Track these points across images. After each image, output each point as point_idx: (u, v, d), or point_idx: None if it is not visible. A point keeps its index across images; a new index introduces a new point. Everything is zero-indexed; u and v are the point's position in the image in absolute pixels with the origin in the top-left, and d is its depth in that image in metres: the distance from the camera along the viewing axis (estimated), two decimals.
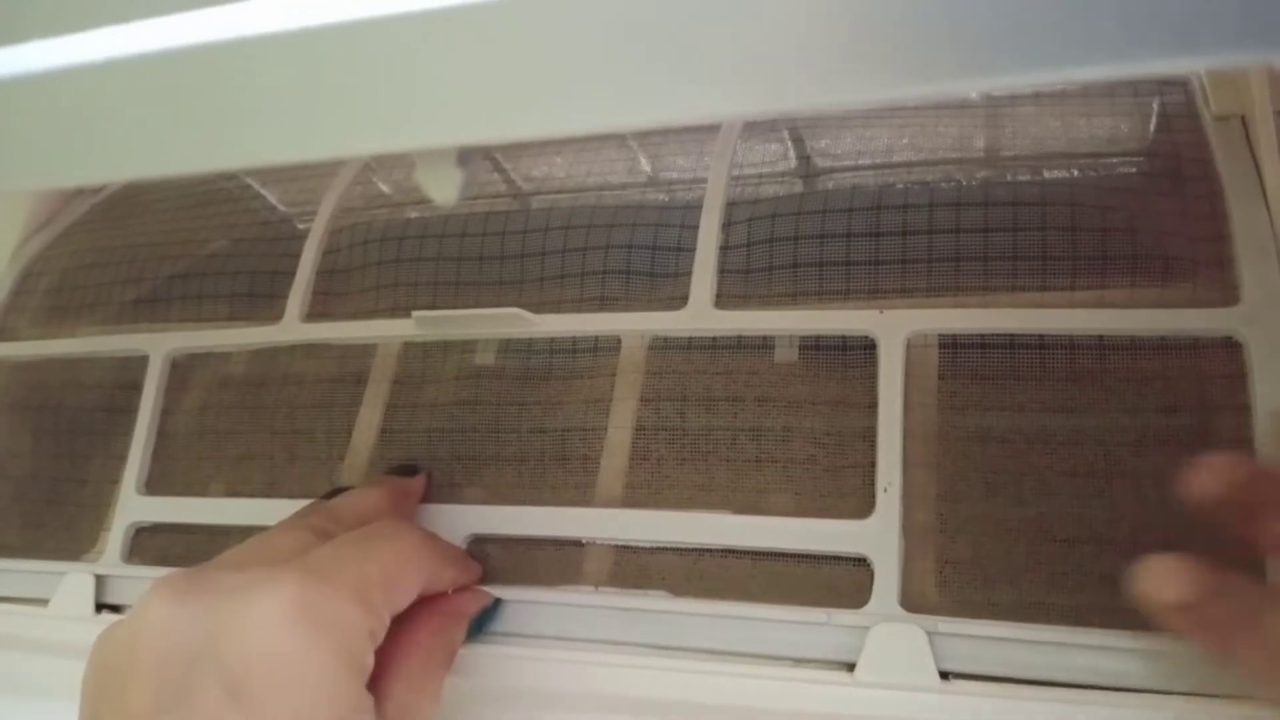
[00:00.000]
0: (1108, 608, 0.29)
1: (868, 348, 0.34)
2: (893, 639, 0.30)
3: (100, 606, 0.40)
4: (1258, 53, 0.14)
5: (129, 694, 0.25)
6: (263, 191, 0.50)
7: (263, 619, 0.25)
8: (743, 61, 0.16)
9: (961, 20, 0.15)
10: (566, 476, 0.36)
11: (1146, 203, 0.34)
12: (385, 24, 0.17)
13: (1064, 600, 0.30)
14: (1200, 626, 0.26)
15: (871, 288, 0.35)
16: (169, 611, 0.26)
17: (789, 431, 0.34)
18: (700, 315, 0.36)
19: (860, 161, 0.40)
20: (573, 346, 0.38)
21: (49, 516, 0.44)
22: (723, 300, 0.36)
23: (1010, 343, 0.33)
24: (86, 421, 0.45)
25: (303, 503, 0.38)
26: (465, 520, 0.36)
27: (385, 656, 0.28)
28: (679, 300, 0.37)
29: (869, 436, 0.33)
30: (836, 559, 0.32)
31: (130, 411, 0.43)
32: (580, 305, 0.39)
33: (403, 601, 0.29)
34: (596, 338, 0.38)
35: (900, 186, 0.37)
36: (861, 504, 0.32)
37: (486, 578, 0.35)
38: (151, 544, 0.41)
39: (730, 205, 0.38)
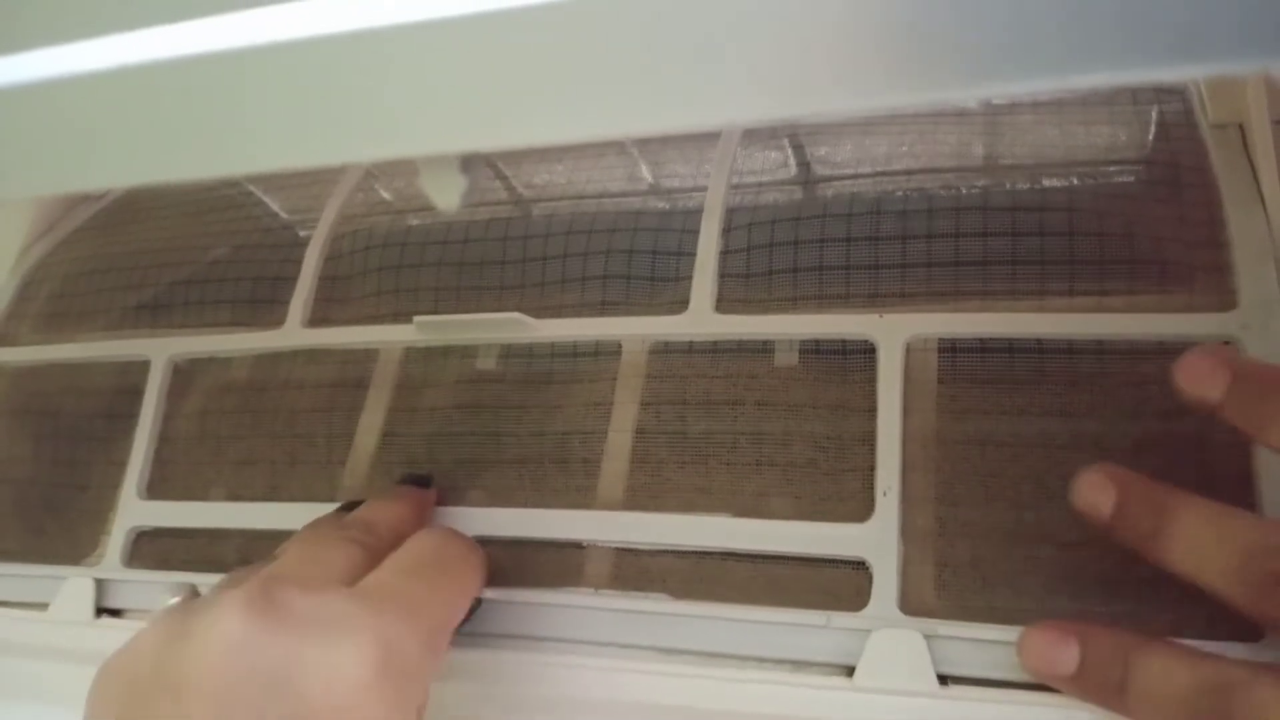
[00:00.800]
0: (1106, 613, 0.29)
1: (867, 352, 0.34)
2: (892, 643, 0.30)
3: (100, 611, 0.40)
4: (1255, 61, 0.14)
5: (187, 707, 0.24)
6: (264, 198, 0.50)
7: (345, 669, 0.24)
8: (744, 69, 0.16)
9: (961, 29, 0.15)
10: (567, 479, 0.36)
11: (1145, 209, 0.34)
12: (388, 33, 0.17)
13: (1063, 605, 0.30)
14: (1124, 539, 0.27)
15: (871, 292, 0.35)
16: (245, 632, 0.25)
17: (789, 435, 0.34)
18: (701, 319, 0.36)
19: (860, 169, 0.40)
20: (573, 351, 0.38)
21: (49, 521, 0.44)
22: (723, 305, 0.37)
23: (1009, 347, 0.33)
24: (87, 426, 0.45)
25: (304, 507, 0.38)
26: (466, 523, 0.36)
27: None
28: (679, 305, 0.37)
29: (868, 440, 0.33)
30: (836, 562, 0.32)
31: (131, 417, 0.43)
32: (581, 310, 0.39)
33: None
34: (597, 342, 0.38)
35: (900, 193, 0.37)
36: (861, 507, 0.32)
37: (488, 580, 0.35)
38: (152, 548, 0.41)
39: (730, 211, 0.39)
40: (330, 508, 0.39)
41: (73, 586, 0.40)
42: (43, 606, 0.40)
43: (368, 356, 0.41)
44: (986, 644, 0.29)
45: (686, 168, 0.43)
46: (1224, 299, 0.32)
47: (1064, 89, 0.16)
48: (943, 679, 0.29)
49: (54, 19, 0.20)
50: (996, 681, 0.29)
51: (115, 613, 0.40)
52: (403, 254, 0.43)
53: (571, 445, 0.37)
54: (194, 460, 0.42)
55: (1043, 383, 0.32)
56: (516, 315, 0.37)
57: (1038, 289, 0.33)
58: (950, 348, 0.33)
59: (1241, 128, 0.35)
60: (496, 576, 0.35)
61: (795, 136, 0.42)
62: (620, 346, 0.37)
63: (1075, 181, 0.36)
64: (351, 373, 0.41)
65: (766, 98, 0.16)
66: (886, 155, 0.40)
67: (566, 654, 0.33)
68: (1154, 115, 0.38)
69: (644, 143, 0.44)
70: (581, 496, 0.36)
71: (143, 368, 0.44)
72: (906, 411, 0.33)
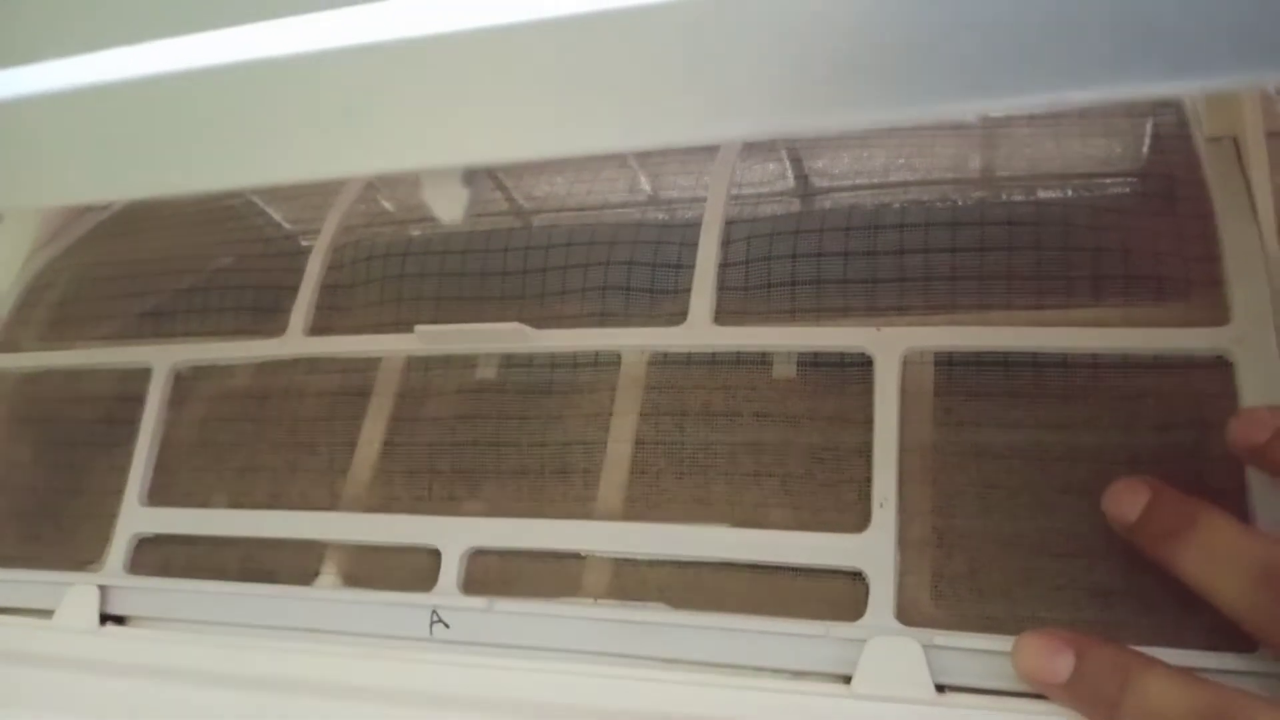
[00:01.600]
0: (1101, 622, 0.29)
1: (865, 364, 0.34)
2: (889, 652, 0.30)
3: (104, 619, 0.40)
4: (1249, 76, 0.14)
5: None
6: (267, 209, 0.50)
7: None
8: (744, 85, 0.16)
9: (958, 44, 0.15)
10: (566, 490, 0.36)
11: (1140, 223, 0.35)
12: (393, 48, 0.18)
13: (1058, 615, 0.30)
14: (1145, 540, 0.28)
15: (868, 305, 0.35)
16: None
17: (787, 446, 0.34)
18: (699, 331, 0.37)
19: (858, 181, 0.40)
20: (573, 361, 0.38)
21: (51, 527, 0.44)
22: (722, 316, 0.37)
23: (1005, 360, 0.33)
24: (90, 433, 0.45)
25: (305, 515, 0.39)
26: (466, 533, 0.36)
27: None
28: (678, 316, 0.37)
29: (865, 452, 0.33)
30: (833, 572, 0.32)
31: (133, 423, 0.44)
32: (581, 321, 0.39)
33: None
34: (597, 353, 0.38)
35: (897, 206, 0.38)
36: (858, 518, 0.32)
37: (487, 590, 0.35)
38: (153, 555, 0.41)
39: (729, 223, 0.39)
40: (330, 514, 0.39)
41: (77, 594, 0.40)
42: (45, 613, 0.40)
43: (369, 365, 0.41)
44: (983, 653, 0.29)
45: (686, 180, 0.43)
46: (1217, 313, 0.32)
47: (1061, 103, 0.16)
48: (939, 688, 0.30)
49: (61, 32, 0.20)
50: (993, 690, 0.29)
51: (119, 620, 0.40)
52: (404, 264, 0.43)
53: (571, 455, 0.37)
54: (196, 467, 0.43)
55: (1038, 396, 0.32)
56: (517, 326, 0.38)
57: (1034, 303, 0.34)
58: (947, 361, 0.34)
59: (1236, 141, 0.36)
60: (495, 587, 0.36)
61: (794, 149, 0.42)
62: (620, 357, 0.38)
63: (1071, 194, 0.37)
64: (353, 381, 0.41)
65: (767, 113, 0.17)
66: (884, 167, 0.40)
67: (565, 664, 0.33)
68: (1149, 128, 0.38)
69: (644, 155, 0.44)
70: (581, 507, 0.36)
71: (145, 375, 0.44)
72: (903, 423, 0.33)
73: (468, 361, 0.40)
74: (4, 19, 0.21)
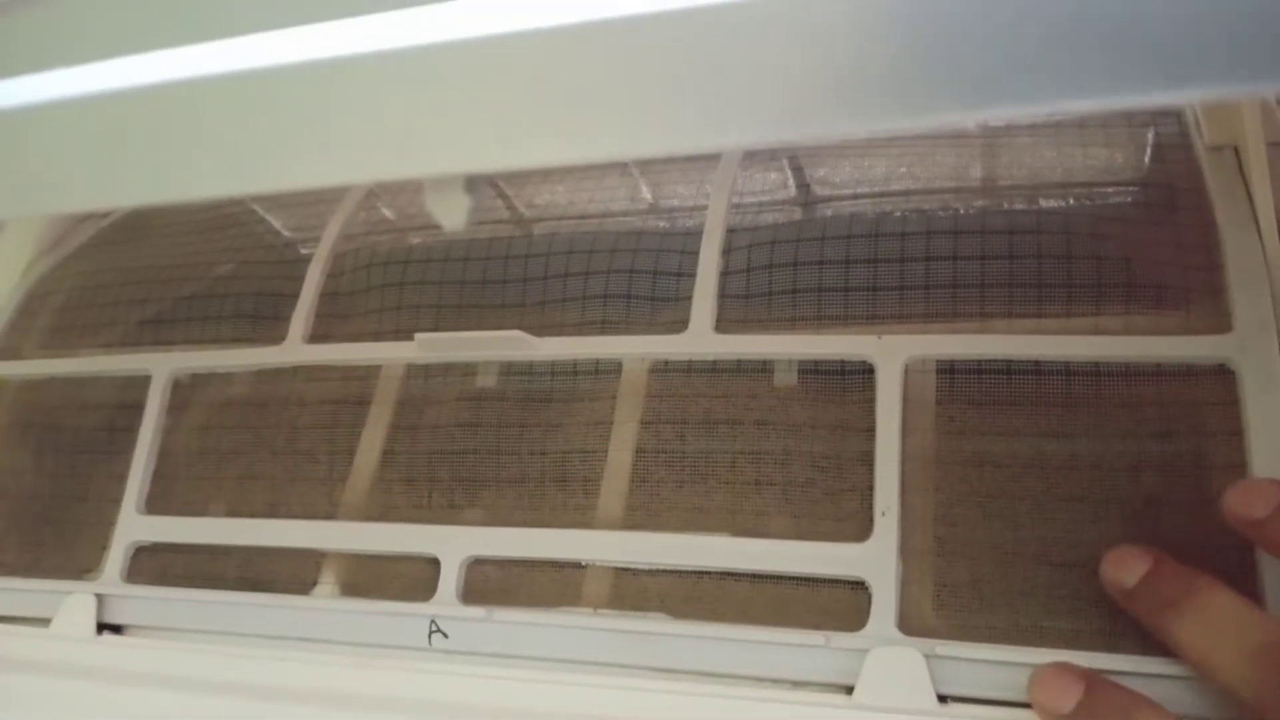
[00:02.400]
0: (1103, 631, 0.29)
1: (866, 372, 0.34)
2: (891, 662, 0.30)
3: (101, 627, 0.40)
4: (1248, 85, 0.14)
5: None
6: (267, 216, 0.50)
7: None
8: (746, 94, 0.16)
9: (961, 53, 0.15)
10: (567, 498, 0.36)
11: (1141, 231, 0.35)
12: (396, 57, 0.18)
13: (1060, 624, 0.30)
14: (1141, 607, 0.28)
15: (870, 313, 0.35)
16: None
17: (788, 454, 0.34)
18: (700, 339, 0.37)
19: (859, 190, 0.40)
20: (574, 369, 0.38)
21: (49, 535, 0.44)
22: (723, 325, 0.37)
23: (1007, 368, 0.33)
24: (89, 441, 0.45)
25: (303, 523, 0.39)
26: (465, 542, 0.36)
27: None
28: (679, 324, 0.37)
29: (867, 460, 0.33)
30: (835, 582, 0.32)
31: (132, 431, 0.43)
32: (582, 329, 0.39)
33: None
34: (597, 361, 0.38)
35: (898, 214, 0.38)
36: (859, 527, 0.32)
37: (486, 600, 0.35)
38: (152, 563, 0.41)
39: (730, 232, 0.39)
40: (329, 523, 0.39)
41: (74, 603, 0.40)
42: (43, 621, 0.40)
43: (369, 373, 0.41)
44: (985, 663, 0.29)
45: (687, 188, 0.43)
46: (1219, 321, 0.32)
47: (1062, 112, 0.16)
48: (942, 698, 0.29)
49: (62, 42, 0.20)
50: (995, 701, 0.29)
51: (115, 629, 0.40)
52: (404, 271, 0.43)
53: (571, 464, 0.37)
54: (194, 476, 0.42)
55: (1040, 404, 0.32)
56: (517, 333, 0.38)
57: (1035, 311, 0.34)
58: (948, 369, 0.34)
59: (1237, 150, 0.36)
60: (495, 596, 0.35)
61: (795, 158, 0.42)
62: (620, 365, 0.38)
63: (1072, 203, 0.37)
64: (352, 389, 0.41)
65: (768, 121, 0.17)
66: (885, 176, 0.40)
67: (565, 673, 0.33)
68: (1150, 137, 0.38)
69: (645, 163, 0.44)
70: (581, 515, 0.36)
71: (144, 383, 0.44)
72: (905, 432, 0.33)
73: (468, 369, 0.40)
74: (5, 29, 0.21)
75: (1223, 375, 0.31)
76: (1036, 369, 0.33)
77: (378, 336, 0.42)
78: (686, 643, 0.32)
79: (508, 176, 0.45)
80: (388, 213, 0.47)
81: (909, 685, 0.30)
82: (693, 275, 0.38)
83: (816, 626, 0.31)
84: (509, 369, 0.39)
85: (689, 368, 0.37)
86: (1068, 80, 0.15)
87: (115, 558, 0.41)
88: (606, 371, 0.38)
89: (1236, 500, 0.27)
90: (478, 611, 0.35)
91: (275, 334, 0.43)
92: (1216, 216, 0.34)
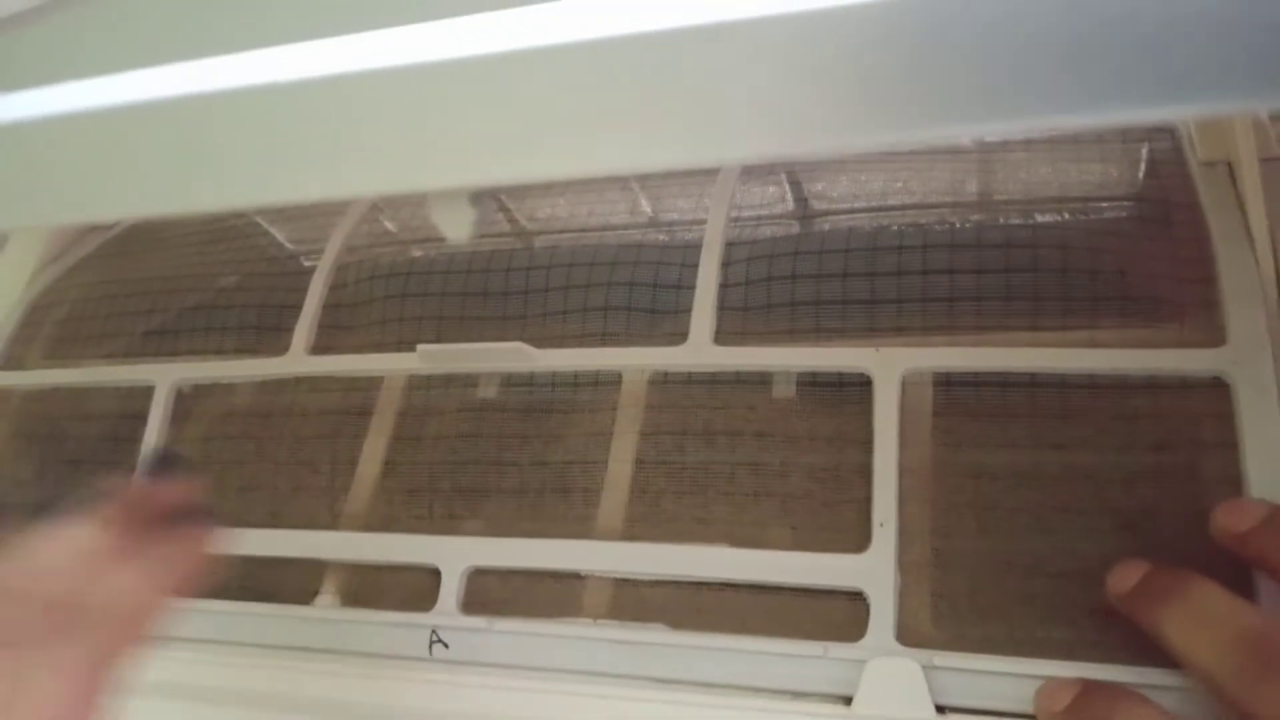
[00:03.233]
0: (1100, 642, 0.29)
1: (864, 384, 0.35)
2: (889, 673, 0.30)
3: None
4: (1241, 101, 0.15)
5: None
6: (270, 229, 0.51)
7: None
8: (744, 109, 0.17)
9: (957, 70, 0.15)
10: (567, 509, 0.36)
11: (1136, 245, 0.35)
12: (403, 73, 0.18)
13: (1057, 635, 0.30)
14: (1134, 605, 0.28)
15: (867, 326, 0.36)
16: None
17: (786, 466, 0.35)
18: (700, 351, 0.37)
19: (856, 204, 0.40)
20: (574, 381, 0.39)
21: None
22: (722, 337, 0.37)
23: (1003, 381, 0.33)
24: (92, 450, 0.45)
25: (304, 533, 0.39)
26: (466, 552, 0.36)
27: None
28: (679, 336, 0.38)
29: (865, 472, 0.33)
30: (833, 593, 0.32)
31: (135, 441, 0.44)
32: (582, 341, 0.39)
33: None
34: (597, 373, 0.38)
35: (895, 228, 0.38)
36: (858, 538, 0.33)
37: (487, 610, 0.35)
38: None
39: (730, 245, 0.39)
40: (331, 533, 0.39)
41: None
42: None
43: (371, 384, 0.42)
44: (983, 674, 0.29)
45: (686, 202, 0.43)
46: (1214, 335, 0.32)
47: (1055, 128, 0.16)
48: (940, 708, 0.30)
49: (68, 56, 0.21)
50: (993, 712, 0.29)
51: None
52: (406, 283, 0.43)
53: (572, 475, 0.37)
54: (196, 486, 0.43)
55: (1036, 416, 0.33)
56: (518, 345, 0.38)
57: (1030, 324, 0.34)
58: (945, 381, 0.34)
59: (1230, 165, 0.36)
60: (495, 606, 0.36)
61: (793, 172, 0.42)
62: (620, 377, 0.38)
63: (1067, 217, 0.37)
64: (354, 400, 0.42)
65: (767, 137, 0.17)
66: (882, 191, 0.41)
67: (565, 683, 0.33)
68: (1144, 153, 0.39)
69: (644, 177, 0.45)
70: (581, 526, 0.36)
71: (147, 393, 0.44)
72: (902, 444, 0.33)
73: (469, 381, 0.40)
74: (10, 45, 0.21)
75: (1217, 388, 0.31)
76: (1033, 381, 0.33)
77: (380, 348, 0.42)
78: (686, 653, 0.33)
79: (509, 190, 0.46)
80: (390, 225, 0.47)
81: (907, 696, 0.30)
82: (692, 288, 0.38)
83: (815, 637, 0.32)
84: (510, 380, 0.40)
85: (688, 379, 0.37)
86: (1062, 96, 0.15)
87: None
88: (606, 383, 0.38)
89: (1223, 517, 0.28)
90: (478, 622, 0.35)
91: (278, 345, 0.44)
92: (1210, 231, 0.34)
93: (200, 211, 0.22)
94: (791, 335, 0.36)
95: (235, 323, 0.46)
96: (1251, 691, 0.25)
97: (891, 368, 0.34)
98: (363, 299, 0.44)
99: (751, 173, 0.43)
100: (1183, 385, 0.32)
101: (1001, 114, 0.16)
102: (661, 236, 0.42)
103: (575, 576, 0.35)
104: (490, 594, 0.36)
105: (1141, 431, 0.32)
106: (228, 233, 0.51)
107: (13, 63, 0.22)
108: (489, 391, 0.40)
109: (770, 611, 0.33)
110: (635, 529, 0.35)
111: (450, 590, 0.36)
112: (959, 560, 0.32)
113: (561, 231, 0.44)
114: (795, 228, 0.41)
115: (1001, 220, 0.37)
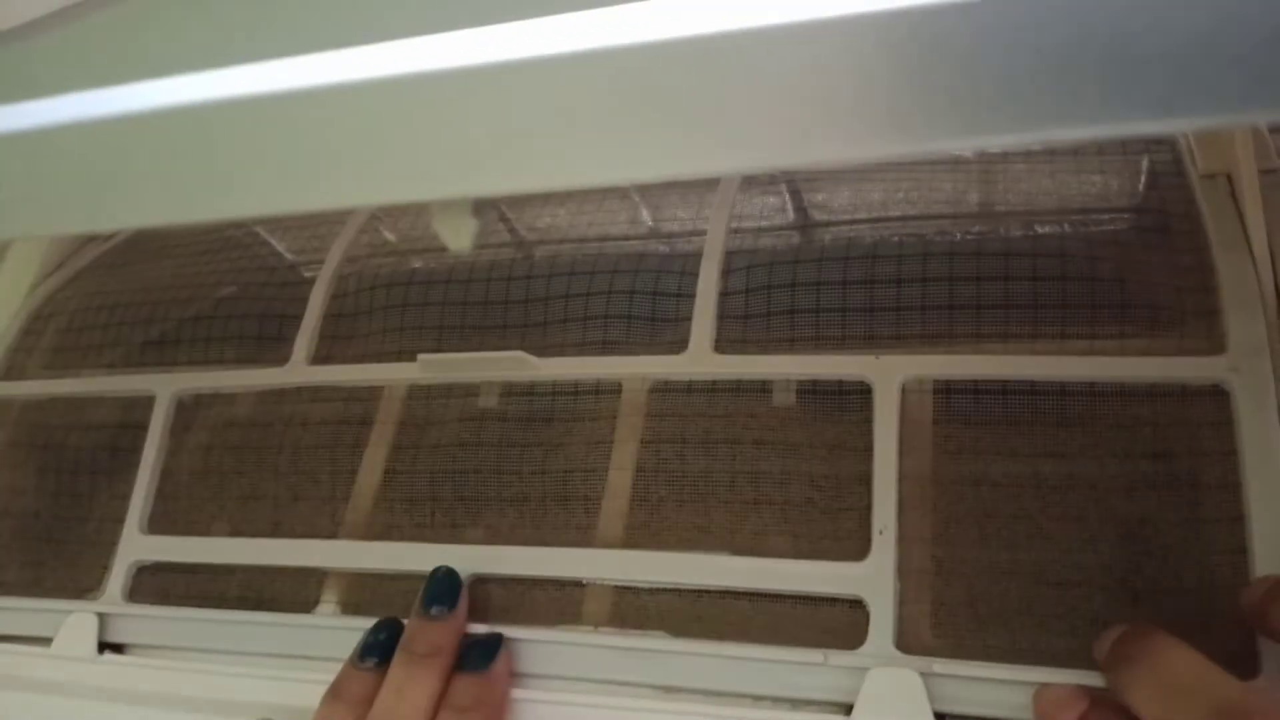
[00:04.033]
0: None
1: (864, 392, 0.35)
2: (889, 681, 0.30)
3: (102, 646, 0.40)
4: (1241, 114, 0.15)
5: None
6: (270, 239, 0.51)
7: None
8: (745, 120, 0.17)
9: (958, 82, 0.16)
10: (567, 517, 0.37)
11: (1136, 255, 0.35)
12: (406, 82, 0.18)
13: (1056, 642, 0.30)
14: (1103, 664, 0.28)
15: (867, 334, 0.36)
16: None
17: (786, 474, 0.35)
18: (700, 360, 0.37)
19: (856, 215, 0.41)
20: (574, 390, 0.39)
21: (52, 554, 0.44)
22: (722, 345, 0.37)
23: (1003, 389, 0.33)
24: (91, 460, 0.45)
25: (305, 542, 0.39)
26: (467, 560, 0.36)
27: None
28: (679, 345, 0.38)
29: (865, 480, 0.33)
30: (833, 600, 0.32)
31: (135, 451, 0.44)
32: (582, 349, 0.39)
33: None
34: (598, 381, 0.38)
35: (895, 238, 0.38)
36: (858, 546, 0.33)
37: (488, 617, 0.35)
38: (153, 583, 0.41)
39: (729, 254, 0.39)
40: (332, 542, 0.39)
41: (75, 622, 0.40)
42: (45, 640, 0.40)
43: (371, 394, 0.42)
44: (982, 682, 0.30)
45: (686, 212, 0.43)
46: (1213, 343, 0.32)
47: (1054, 140, 0.16)
48: (939, 716, 0.30)
49: (67, 66, 0.21)
50: (992, 718, 0.29)
51: (117, 648, 0.40)
52: (407, 293, 0.43)
53: (572, 483, 0.37)
54: (197, 496, 0.43)
55: (1036, 424, 0.33)
56: (519, 354, 0.38)
57: (1030, 332, 0.34)
58: (945, 389, 0.34)
59: (1229, 177, 0.36)
60: (496, 614, 0.36)
61: (793, 183, 0.43)
62: (621, 385, 0.38)
63: (1067, 228, 0.37)
64: (355, 410, 0.42)
65: (768, 147, 0.17)
66: (882, 201, 0.41)
67: (566, 691, 0.33)
68: (1144, 165, 0.39)
69: (645, 187, 0.45)
70: (581, 534, 0.36)
71: (147, 403, 0.45)
72: (902, 451, 0.33)
73: (470, 390, 0.40)
74: (9, 55, 0.22)
75: (1217, 396, 0.31)
76: (1032, 389, 0.33)
77: (380, 357, 0.42)
78: (686, 661, 0.33)
79: (509, 200, 0.46)
80: (390, 235, 0.48)
81: (907, 704, 0.30)
82: (692, 296, 0.38)
83: (815, 645, 0.32)
84: (510, 389, 0.40)
85: (689, 388, 0.37)
86: (1063, 109, 0.15)
87: (117, 577, 0.41)
88: (607, 391, 0.38)
89: (1246, 591, 0.28)
90: (479, 629, 0.35)
91: (279, 355, 0.44)
92: (1210, 241, 0.34)
93: (200, 221, 0.22)
94: (792, 343, 0.37)
95: (235, 333, 0.46)
96: None
97: (891, 376, 0.34)
98: (363, 309, 0.44)
99: (752, 183, 0.43)
100: (1182, 393, 0.32)
101: (1003, 127, 0.16)
102: (662, 246, 0.42)
103: (576, 584, 0.35)
104: (491, 602, 0.36)
105: (1141, 439, 0.32)
106: (228, 243, 0.51)
107: (12, 74, 0.22)
108: (490, 400, 0.40)
109: (770, 619, 0.33)
110: (636, 537, 0.35)
111: None
112: (959, 568, 0.32)
113: (561, 241, 0.44)
114: (795, 237, 0.41)
115: (1001, 230, 0.37)
